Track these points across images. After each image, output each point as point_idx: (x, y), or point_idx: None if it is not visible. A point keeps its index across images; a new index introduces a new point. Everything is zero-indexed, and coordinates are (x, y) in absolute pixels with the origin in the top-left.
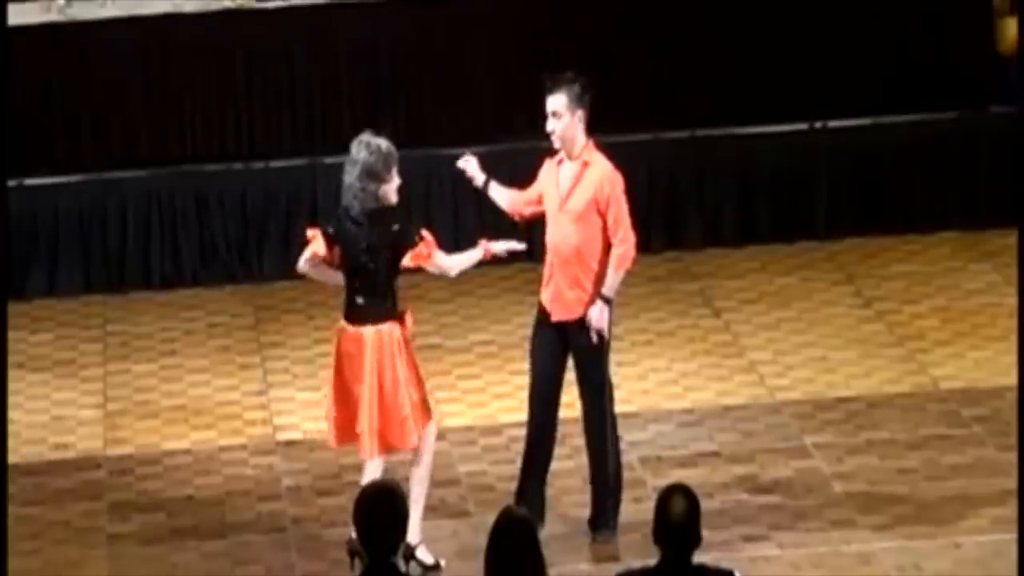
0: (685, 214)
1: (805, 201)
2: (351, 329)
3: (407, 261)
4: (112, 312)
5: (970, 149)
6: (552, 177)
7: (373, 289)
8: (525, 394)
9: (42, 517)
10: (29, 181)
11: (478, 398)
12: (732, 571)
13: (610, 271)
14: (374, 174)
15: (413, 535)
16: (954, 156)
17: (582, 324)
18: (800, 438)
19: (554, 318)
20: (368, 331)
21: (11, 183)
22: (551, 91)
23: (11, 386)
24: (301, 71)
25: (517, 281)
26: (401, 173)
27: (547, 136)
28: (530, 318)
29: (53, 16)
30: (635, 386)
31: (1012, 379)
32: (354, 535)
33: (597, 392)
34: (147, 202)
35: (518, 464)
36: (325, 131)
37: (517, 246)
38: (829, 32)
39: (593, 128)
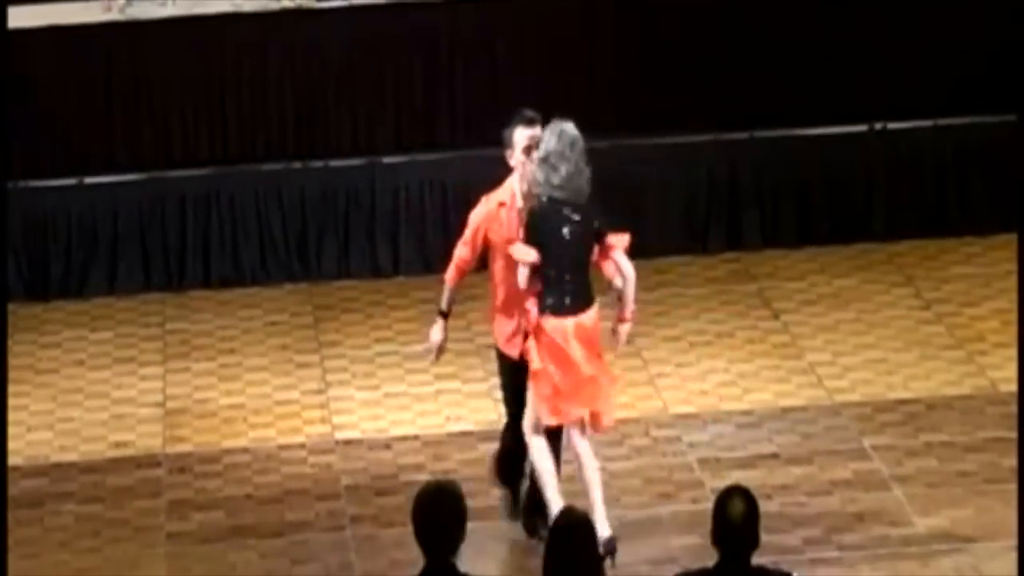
0: (744, 215)
1: (864, 202)
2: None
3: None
4: (171, 310)
5: None
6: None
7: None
8: None
9: (101, 515)
10: (89, 180)
11: None
12: (791, 573)
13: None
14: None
15: None
16: (1014, 158)
17: None
18: (859, 440)
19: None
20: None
21: (71, 181)
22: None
23: (71, 384)
24: (360, 70)
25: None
26: (459, 173)
27: None
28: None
29: (114, 15)
30: (694, 387)
31: None
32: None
33: None
34: (206, 201)
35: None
36: (384, 130)
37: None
38: (888, 33)
39: (653, 130)
